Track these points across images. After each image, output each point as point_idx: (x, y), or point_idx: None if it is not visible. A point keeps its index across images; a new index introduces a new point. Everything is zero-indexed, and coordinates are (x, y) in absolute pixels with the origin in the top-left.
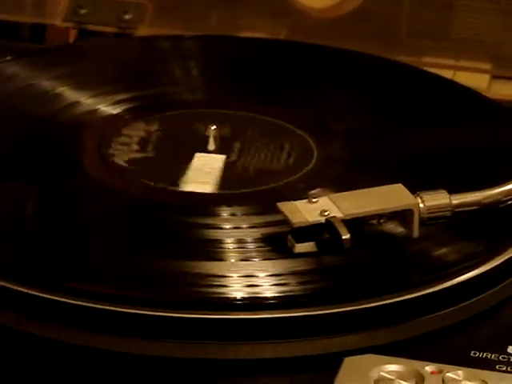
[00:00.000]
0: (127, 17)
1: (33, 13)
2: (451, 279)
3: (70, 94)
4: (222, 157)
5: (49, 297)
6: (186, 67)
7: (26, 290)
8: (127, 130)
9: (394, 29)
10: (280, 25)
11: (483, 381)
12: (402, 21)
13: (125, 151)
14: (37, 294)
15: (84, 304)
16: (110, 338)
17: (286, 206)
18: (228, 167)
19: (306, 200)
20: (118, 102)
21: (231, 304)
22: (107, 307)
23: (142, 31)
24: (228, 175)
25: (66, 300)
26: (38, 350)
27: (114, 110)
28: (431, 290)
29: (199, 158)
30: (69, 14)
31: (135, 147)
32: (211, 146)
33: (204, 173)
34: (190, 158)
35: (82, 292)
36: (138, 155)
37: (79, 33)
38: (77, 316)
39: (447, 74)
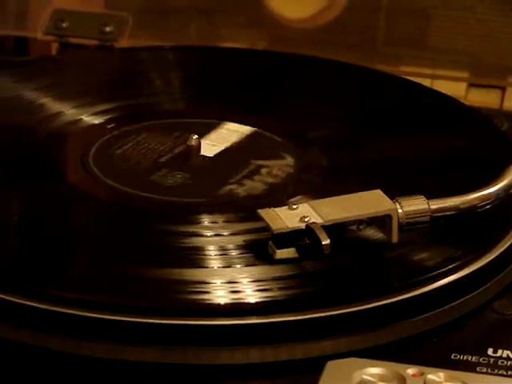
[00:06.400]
0: (108, 29)
1: (15, 26)
2: (431, 283)
3: (52, 104)
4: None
5: (30, 304)
6: (166, 77)
7: (5, 297)
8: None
9: (372, 38)
10: (259, 35)
11: (464, 383)
12: (379, 30)
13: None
14: (17, 300)
15: (64, 311)
16: (92, 344)
17: (266, 213)
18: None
19: (286, 207)
20: (99, 113)
21: (214, 310)
22: (89, 314)
23: (123, 43)
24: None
25: (48, 307)
26: (15, 356)
27: (96, 120)
28: (412, 294)
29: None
30: (50, 27)
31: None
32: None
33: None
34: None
35: (65, 300)
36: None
37: (61, 46)
38: (60, 323)
39: (425, 82)
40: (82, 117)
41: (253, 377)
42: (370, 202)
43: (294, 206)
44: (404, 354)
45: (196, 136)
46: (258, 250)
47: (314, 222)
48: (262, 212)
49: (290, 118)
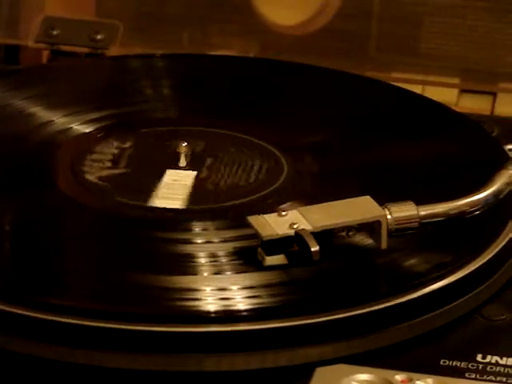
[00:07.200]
0: (99, 37)
1: (6, 34)
2: (420, 289)
3: (43, 113)
4: (193, 173)
5: (24, 313)
6: (157, 85)
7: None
8: (100, 147)
9: (363, 45)
10: (250, 42)
11: None
12: (371, 37)
13: (97, 168)
14: (9, 310)
15: (58, 319)
16: (84, 352)
17: (255, 220)
18: (200, 183)
19: (275, 213)
20: (90, 121)
21: (204, 317)
22: (80, 322)
23: (114, 51)
24: (200, 190)
25: (42, 316)
26: (11, 366)
27: (87, 129)
28: (401, 300)
29: (170, 174)
30: (41, 35)
31: (107, 164)
32: (182, 162)
33: (174, 189)
34: (162, 174)
35: (55, 307)
36: (111, 172)
37: (52, 53)
38: (53, 332)
39: (416, 88)
40: (73, 125)
41: None
42: (360, 209)
43: (284, 213)
44: (392, 360)
45: (186, 143)
46: (247, 256)
47: (303, 229)
48: (252, 219)
49: (281, 125)
